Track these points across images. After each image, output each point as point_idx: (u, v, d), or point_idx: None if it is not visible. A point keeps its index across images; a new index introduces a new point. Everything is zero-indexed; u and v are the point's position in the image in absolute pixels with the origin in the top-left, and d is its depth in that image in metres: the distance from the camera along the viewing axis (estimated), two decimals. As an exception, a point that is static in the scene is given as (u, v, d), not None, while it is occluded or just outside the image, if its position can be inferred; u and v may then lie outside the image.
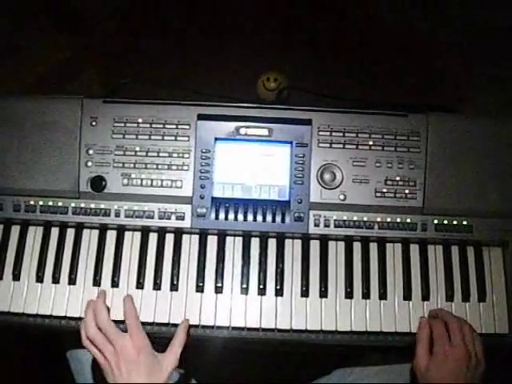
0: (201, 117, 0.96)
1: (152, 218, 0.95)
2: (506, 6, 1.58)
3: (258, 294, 0.94)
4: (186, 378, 0.98)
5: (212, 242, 0.96)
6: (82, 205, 0.95)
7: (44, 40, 1.76)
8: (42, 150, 0.95)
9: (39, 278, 0.94)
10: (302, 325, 0.92)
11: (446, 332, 0.86)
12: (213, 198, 0.95)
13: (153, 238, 0.96)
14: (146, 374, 0.79)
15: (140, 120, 0.96)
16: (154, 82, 1.20)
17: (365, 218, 0.95)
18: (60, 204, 0.95)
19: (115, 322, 0.91)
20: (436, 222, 0.96)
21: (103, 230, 0.97)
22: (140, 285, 0.93)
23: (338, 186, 0.95)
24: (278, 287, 0.94)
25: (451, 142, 0.95)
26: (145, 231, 0.96)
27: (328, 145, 0.96)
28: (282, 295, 0.94)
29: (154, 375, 0.79)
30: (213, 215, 0.94)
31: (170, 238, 0.96)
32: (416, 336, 0.88)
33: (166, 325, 0.92)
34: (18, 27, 1.76)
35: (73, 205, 0.95)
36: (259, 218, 0.94)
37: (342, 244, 0.97)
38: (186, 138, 0.95)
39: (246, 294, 0.94)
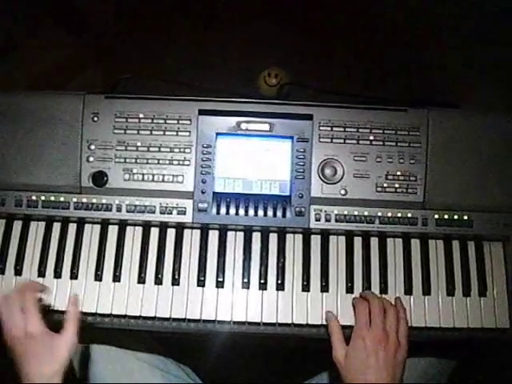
0: (202, 112, 0.96)
1: (153, 212, 0.95)
2: (506, 4, 1.58)
3: (259, 289, 0.94)
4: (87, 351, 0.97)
5: (213, 236, 0.96)
6: (84, 200, 0.96)
7: (45, 38, 1.76)
8: (43, 146, 0.95)
9: (41, 273, 0.94)
10: (303, 319, 0.92)
11: (367, 318, 0.86)
12: (214, 192, 0.95)
13: (154, 232, 0.97)
14: (37, 359, 0.78)
15: (141, 115, 0.96)
16: (155, 77, 1.20)
17: (366, 213, 0.96)
18: (62, 199, 0.96)
19: (116, 316, 0.93)
20: (437, 216, 0.96)
21: (105, 224, 0.97)
22: (141, 279, 0.94)
23: (338, 181, 0.95)
24: (279, 282, 0.94)
25: (452, 136, 0.96)
26: (146, 226, 0.97)
27: (329, 140, 0.96)
28: (283, 290, 0.94)
29: (46, 359, 0.78)
30: (214, 210, 0.95)
31: (171, 233, 0.97)
32: (328, 330, 0.88)
33: (168, 319, 0.93)
34: (19, 25, 1.76)
35: (74, 200, 0.96)
36: (260, 212, 0.95)
37: (342, 239, 0.97)
38: (188, 133, 0.96)
39: (247, 288, 0.94)
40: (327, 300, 0.93)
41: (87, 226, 0.97)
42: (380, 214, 0.96)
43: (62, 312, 0.92)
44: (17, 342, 0.79)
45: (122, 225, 0.97)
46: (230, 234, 0.97)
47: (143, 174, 0.95)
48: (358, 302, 0.89)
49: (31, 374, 0.77)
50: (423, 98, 1.02)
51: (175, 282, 0.94)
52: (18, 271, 0.94)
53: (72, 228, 0.97)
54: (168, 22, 1.76)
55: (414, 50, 1.70)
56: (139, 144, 0.96)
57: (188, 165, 0.95)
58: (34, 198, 0.96)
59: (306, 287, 0.94)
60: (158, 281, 0.94)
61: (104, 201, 0.95)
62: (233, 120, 0.96)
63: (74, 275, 0.94)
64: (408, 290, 0.94)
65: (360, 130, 0.96)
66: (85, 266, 0.95)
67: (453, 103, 1.04)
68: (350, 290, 0.94)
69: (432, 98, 1.01)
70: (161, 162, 0.95)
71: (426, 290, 0.95)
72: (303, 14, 1.76)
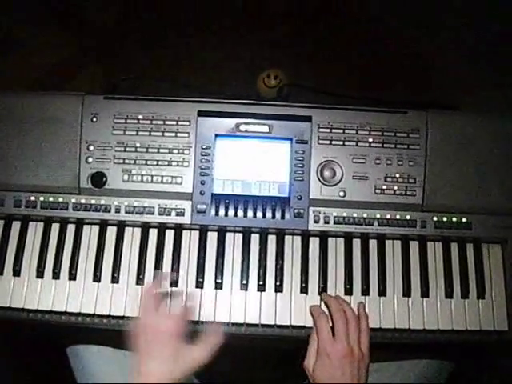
0: (201, 113, 0.96)
1: (152, 213, 0.95)
2: (506, 5, 1.59)
3: (258, 290, 0.94)
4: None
5: (212, 238, 0.96)
6: (83, 201, 0.96)
7: (45, 37, 1.76)
8: (42, 146, 0.95)
9: (39, 274, 0.94)
10: (302, 321, 0.92)
11: (330, 328, 0.86)
12: (213, 194, 0.95)
13: (153, 233, 0.97)
14: (165, 360, 0.76)
15: (140, 116, 0.96)
16: (154, 78, 1.20)
17: (364, 215, 0.96)
18: (60, 200, 0.96)
19: (115, 317, 0.92)
20: (435, 218, 0.96)
21: (103, 225, 0.97)
22: (140, 281, 0.94)
23: (337, 183, 0.95)
24: (278, 283, 0.94)
25: (451, 139, 0.96)
26: (145, 227, 0.97)
27: (328, 141, 0.96)
28: (281, 291, 0.94)
29: (177, 362, 0.77)
30: (213, 211, 0.95)
31: (170, 234, 0.97)
32: (309, 338, 0.88)
33: (166, 320, 0.92)
34: (19, 25, 1.76)
35: (73, 201, 0.96)
36: (259, 214, 0.95)
37: (341, 241, 0.97)
38: (187, 135, 0.96)
39: (246, 289, 0.94)
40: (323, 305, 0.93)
41: (86, 227, 0.97)
42: (379, 216, 0.96)
43: (61, 313, 0.92)
44: (148, 338, 0.78)
45: (121, 226, 0.97)
46: (229, 236, 0.97)
47: (142, 175, 0.95)
48: (318, 314, 0.89)
49: (149, 372, 0.75)
50: (423, 100, 1.01)
51: (174, 283, 0.94)
52: (17, 272, 0.94)
53: (71, 229, 0.97)
54: (168, 23, 1.76)
55: (414, 52, 1.70)
56: (138, 145, 0.96)
57: (187, 166, 0.95)
58: (32, 198, 0.96)
59: (304, 289, 0.94)
60: (157, 282, 0.94)
61: (103, 202, 0.96)
62: (232, 121, 0.96)
63: (72, 276, 0.94)
64: (406, 292, 0.94)
65: (359, 132, 0.96)
66: (83, 267, 0.95)
67: (452, 105, 1.04)
68: (348, 291, 0.94)
69: (431, 100, 1.01)
70: (160, 163, 0.95)
71: (425, 293, 0.94)
72: (303, 15, 1.76)
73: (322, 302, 0.93)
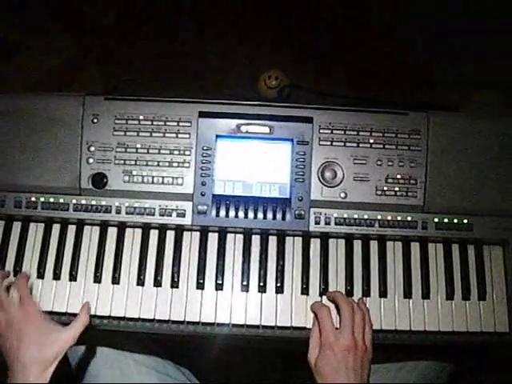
0: (202, 114, 0.96)
1: (153, 214, 0.95)
2: (507, 7, 1.59)
3: (259, 292, 0.94)
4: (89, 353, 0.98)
5: (213, 239, 0.96)
6: (83, 201, 0.95)
7: (46, 40, 1.76)
8: (43, 147, 0.95)
9: (40, 275, 0.94)
10: (302, 322, 0.92)
11: (332, 323, 0.85)
12: (214, 195, 0.95)
13: (153, 234, 0.97)
14: (36, 344, 0.78)
15: (141, 117, 0.96)
16: (155, 79, 1.20)
17: (365, 216, 0.96)
18: (61, 201, 0.96)
19: (115, 318, 0.92)
20: (436, 220, 0.96)
21: (104, 226, 0.97)
22: (141, 281, 0.94)
23: (338, 184, 0.95)
24: (279, 285, 0.94)
25: (452, 140, 0.96)
26: (146, 228, 0.97)
27: (329, 143, 0.96)
28: (282, 293, 0.94)
29: (45, 346, 0.78)
30: (213, 212, 0.94)
31: (170, 235, 0.96)
32: (310, 331, 0.88)
33: (167, 322, 0.92)
34: (20, 26, 1.76)
35: (74, 201, 0.95)
36: (260, 215, 0.95)
37: (342, 242, 0.97)
38: (187, 136, 0.96)
39: (247, 291, 0.94)
40: (326, 303, 0.93)
41: (86, 228, 0.97)
42: (380, 218, 0.96)
43: (61, 314, 0.92)
44: (14, 327, 0.79)
45: (122, 227, 0.97)
46: (230, 237, 0.97)
47: (143, 176, 0.95)
48: (320, 307, 0.88)
49: (26, 359, 0.77)
50: (424, 102, 1.02)
51: (174, 284, 0.93)
52: (17, 273, 0.94)
53: (71, 230, 0.97)
54: (168, 24, 1.76)
55: (414, 54, 1.70)
56: (139, 146, 0.95)
57: (188, 167, 0.95)
58: (33, 199, 0.96)
59: (305, 290, 0.94)
60: (157, 283, 0.93)
61: (103, 202, 0.95)
62: (233, 122, 0.96)
63: (73, 277, 0.94)
64: (407, 294, 0.94)
65: (360, 133, 0.96)
66: (84, 268, 0.95)
67: (453, 106, 1.04)
68: (349, 293, 0.94)
69: (432, 101, 1.01)
70: (160, 164, 0.95)
71: (426, 294, 0.94)
72: (305, 16, 1.77)
73: (325, 301, 0.93)
